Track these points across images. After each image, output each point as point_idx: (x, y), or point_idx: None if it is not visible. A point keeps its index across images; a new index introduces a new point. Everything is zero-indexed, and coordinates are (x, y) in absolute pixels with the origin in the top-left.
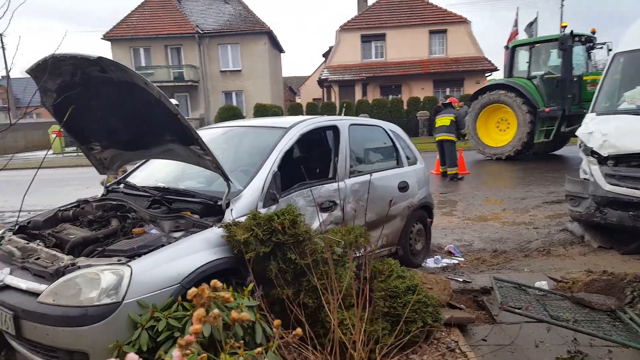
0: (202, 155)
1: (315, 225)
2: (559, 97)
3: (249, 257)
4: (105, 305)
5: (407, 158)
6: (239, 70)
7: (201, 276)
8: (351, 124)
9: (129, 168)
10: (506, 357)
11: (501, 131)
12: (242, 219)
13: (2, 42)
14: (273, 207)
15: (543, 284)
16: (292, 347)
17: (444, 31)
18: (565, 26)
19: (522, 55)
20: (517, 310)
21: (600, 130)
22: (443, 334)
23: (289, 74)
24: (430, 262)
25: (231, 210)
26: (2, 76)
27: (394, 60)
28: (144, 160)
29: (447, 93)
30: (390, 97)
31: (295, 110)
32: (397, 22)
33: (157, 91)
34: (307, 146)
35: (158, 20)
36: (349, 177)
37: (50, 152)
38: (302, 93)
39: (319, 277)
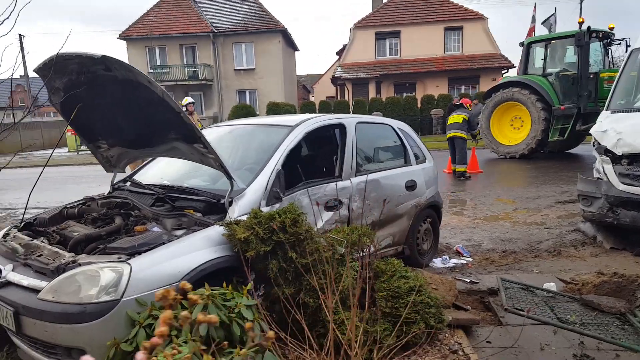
0: (205, 154)
1: (320, 224)
2: (575, 94)
3: (250, 255)
4: (104, 302)
5: (416, 157)
6: (253, 69)
7: (201, 274)
8: (358, 122)
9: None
10: (510, 359)
11: (515, 129)
12: (245, 218)
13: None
14: (277, 206)
15: (551, 286)
16: (291, 348)
17: (460, 28)
18: (582, 22)
19: (538, 52)
20: (519, 312)
21: (615, 129)
22: (447, 335)
23: (303, 72)
24: (437, 262)
25: (234, 208)
26: (20, 75)
27: (409, 57)
28: (150, 158)
29: (463, 91)
30: (404, 94)
31: (307, 108)
32: (412, 19)
33: (160, 89)
34: (313, 144)
35: (173, 19)
36: (355, 176)
37: (66, 150)
38: (316, 91)
39: (319, 277)
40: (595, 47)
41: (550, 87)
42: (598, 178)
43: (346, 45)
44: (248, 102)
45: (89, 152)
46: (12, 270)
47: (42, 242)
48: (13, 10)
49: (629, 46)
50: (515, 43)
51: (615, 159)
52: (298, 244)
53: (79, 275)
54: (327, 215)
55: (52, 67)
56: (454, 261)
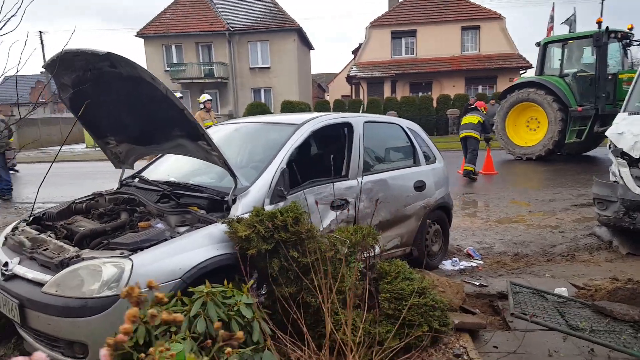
0: (209, 151)
1: (326, 223)
2: (593, 95)
3: (251, 253)
4: (106, 297)
5: (426, 157)
6: (268, 67)
7: (202, 272)
8: (366, 122)
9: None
10: None
11: (531, 130)
12: (247, 216)
13: (41, 40)
14: (281, 204)
15: (563, 291)
16: (290, 348)
17: (477, 27)
18: (601, 22)
19: (555, 53)
20: (524, 317)
21: (632, 131)
22: (452, 339)
23: (319, 70)
24: (447, 264)
25: (237, 206)
26: (41, 72)
27: (425, 57)
28: (159, 155)
29: (480, 91)
30: (420, 94)
31: (321, 107)
32: (428, 18)
33: (163, 86)
34: (319, 143)
35: (190, 17)
36: (362, 175)
37: (84, 145)
38: (331, 90)
39: (320, 277)
40: (614, 48)
41: (567, 87)
42: (614, 181)
43: (362, 44)
44: (263, 100)
45: None
46: (19, 264)
47: (49, 236)
48: (20, 6)
49: None
50: (532, 43)
51: (632, 162)
52: (299, 243)
53: (82, 269)
54: (333, 214)
55: (58, 64)
56: (464, 264)
